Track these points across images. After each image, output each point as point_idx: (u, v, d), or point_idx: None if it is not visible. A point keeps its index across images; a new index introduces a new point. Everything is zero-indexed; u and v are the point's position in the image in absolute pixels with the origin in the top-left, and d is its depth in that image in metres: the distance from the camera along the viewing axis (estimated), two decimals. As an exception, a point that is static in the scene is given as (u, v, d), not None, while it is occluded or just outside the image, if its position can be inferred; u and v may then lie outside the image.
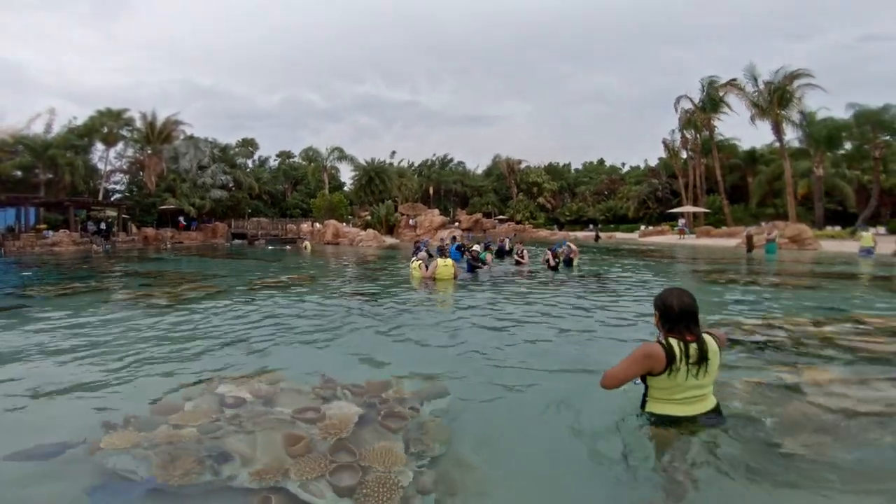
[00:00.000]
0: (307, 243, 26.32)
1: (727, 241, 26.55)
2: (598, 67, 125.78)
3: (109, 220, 32.95)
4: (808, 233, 23.04)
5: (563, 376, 3.90)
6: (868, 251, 16.77)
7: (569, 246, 14.02)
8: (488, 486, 2.35)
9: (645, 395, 2.70)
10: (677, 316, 2.58)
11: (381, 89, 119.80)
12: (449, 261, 9.43)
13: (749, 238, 19.96)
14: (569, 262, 13.39)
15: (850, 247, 21.53)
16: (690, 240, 31.70)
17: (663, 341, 2.58)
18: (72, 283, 11.09)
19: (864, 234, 18.07)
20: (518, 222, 49.23)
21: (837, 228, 31.51)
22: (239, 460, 2.51)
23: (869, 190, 33.30)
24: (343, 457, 2.53)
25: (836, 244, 23.70)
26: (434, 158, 62.70)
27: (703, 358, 2.53)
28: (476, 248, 13.53)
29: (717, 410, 2.69)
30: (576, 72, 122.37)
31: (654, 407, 2.66)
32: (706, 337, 2.61)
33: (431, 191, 58.24)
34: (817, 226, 29.94)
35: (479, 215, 48.81)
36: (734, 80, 35.31)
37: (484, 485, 2.37)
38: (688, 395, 2.59)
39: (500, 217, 51.35)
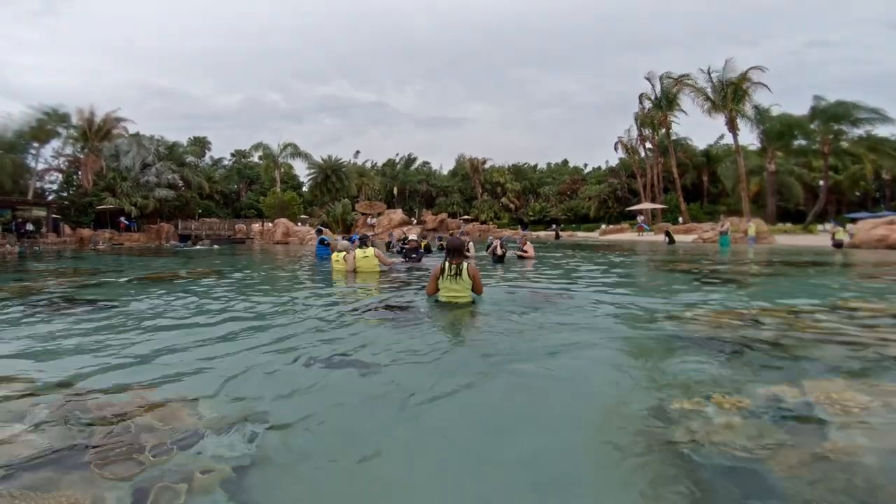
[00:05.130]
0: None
1: (684, 237, 26.66)
2: (562, 72, 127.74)
3: (22, 219, 29.92)
4: (763, 226, 23.21)
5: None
6: (752, 239, 20.89)
7: (521, 240, 13.39)
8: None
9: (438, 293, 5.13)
10: (449, 250, 5.12)
11: (346, 91, 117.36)
12: (370, 251, 8.15)
13: (667, 233, 23.03)
14: (520, 256, 12.65)
15: (805, 241, 21.69)
16: (649, 236, 31.70)
17: (442, 263, 5.06)
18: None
19: (749, 224, 22.01)
20: (483, 222, 48.59)
21: (789, 224, 32.15)
22: None
23: (814, 188, 34.17)
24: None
25: (789, 238, 23.96)
26: (398, 158, 61.41)
27: (458, 273, 4.96)
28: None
29: (467, 304, 4.96)
30: (540, 76, 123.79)
31: (439, 296, 5.12)
32: (465, 263, 5.04)
33: (396, 191, 56.85)
34: (769, 222, 30.34)
35: (444, 215, 47.66)
36: (686, 75, 35.47)
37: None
38: (450, 295, 5.02)
39: (465, 217, 50.54)
